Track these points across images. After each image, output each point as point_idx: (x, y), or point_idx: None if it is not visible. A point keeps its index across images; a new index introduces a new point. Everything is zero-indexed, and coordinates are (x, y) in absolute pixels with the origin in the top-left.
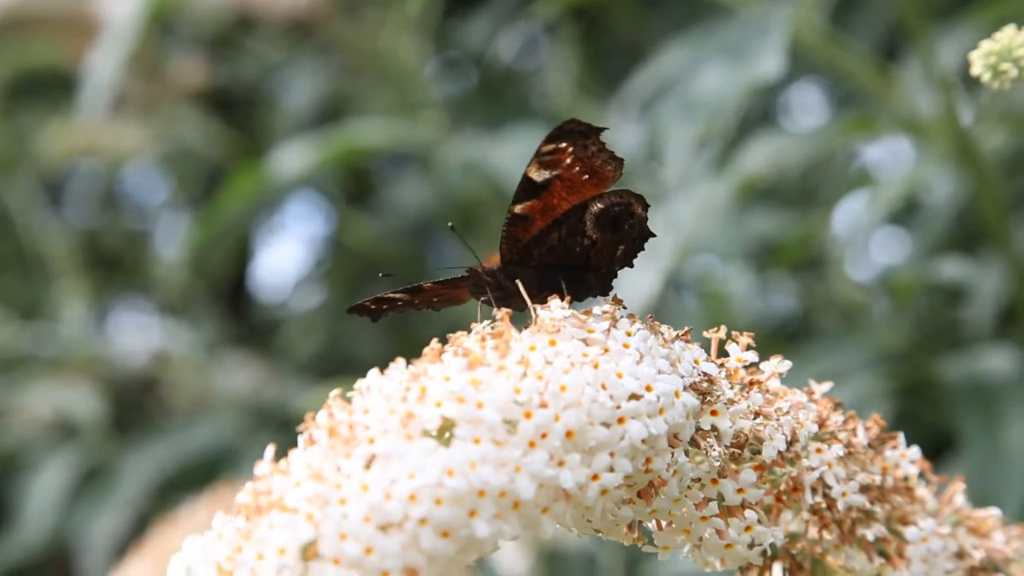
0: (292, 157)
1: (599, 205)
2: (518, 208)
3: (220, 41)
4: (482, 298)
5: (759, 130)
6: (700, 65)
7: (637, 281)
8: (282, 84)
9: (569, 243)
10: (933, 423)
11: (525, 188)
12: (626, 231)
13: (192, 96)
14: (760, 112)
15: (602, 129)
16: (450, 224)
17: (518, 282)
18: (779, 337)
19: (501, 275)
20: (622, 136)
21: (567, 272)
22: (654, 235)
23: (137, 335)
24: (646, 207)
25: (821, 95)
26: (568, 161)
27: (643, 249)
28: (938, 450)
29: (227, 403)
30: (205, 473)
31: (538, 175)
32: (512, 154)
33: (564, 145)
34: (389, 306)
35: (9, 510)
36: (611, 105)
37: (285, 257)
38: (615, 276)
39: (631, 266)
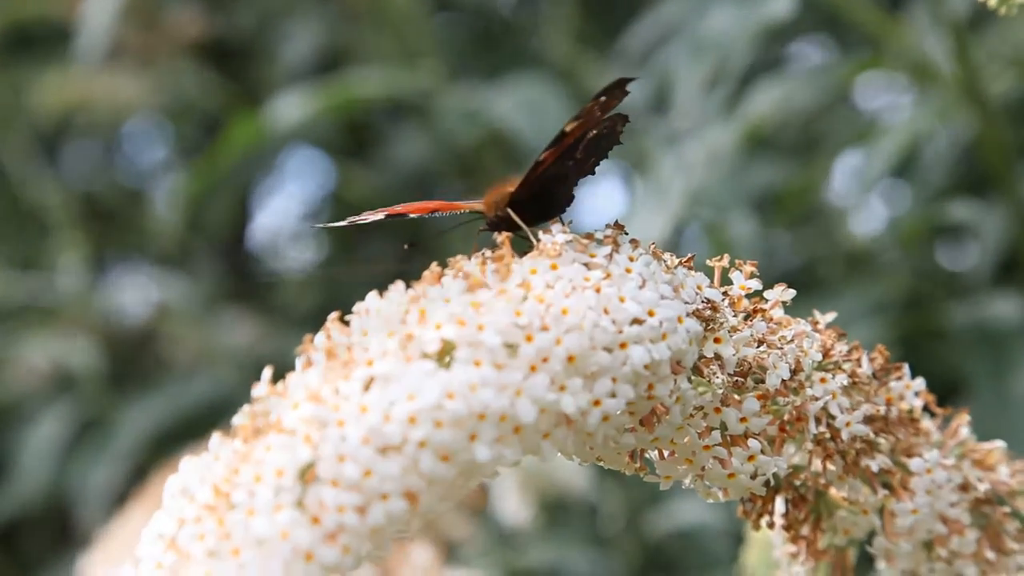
0: (289, 107)
1: (593, 131)
2: (541, 156)
3: None
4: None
5: (766, 76)
6: (707, 8)
7: (647, 224)
8: (280, 34)
9: (559, 167)
10: (939, 371)
11: (556, 139)
12: (603, 147)
13: (189, 47)
14: (769, 64)
15: (634, 79)
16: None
17: (509, 210)
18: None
19: (510, 217)
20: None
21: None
22: (620, 143)
23: (135, 290)
24: (625, 121)
25: (829, 48)
26: (596, 109)
27: (607, 157)
28: (944, 397)
29: (225, 357)
30: (203, 426)
31: (569, 126)
32: (512, 103)
33: (603, 99)
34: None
35: (6, 463)
36: (614, 53)
37: (284, 213)
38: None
39: (593, 174)
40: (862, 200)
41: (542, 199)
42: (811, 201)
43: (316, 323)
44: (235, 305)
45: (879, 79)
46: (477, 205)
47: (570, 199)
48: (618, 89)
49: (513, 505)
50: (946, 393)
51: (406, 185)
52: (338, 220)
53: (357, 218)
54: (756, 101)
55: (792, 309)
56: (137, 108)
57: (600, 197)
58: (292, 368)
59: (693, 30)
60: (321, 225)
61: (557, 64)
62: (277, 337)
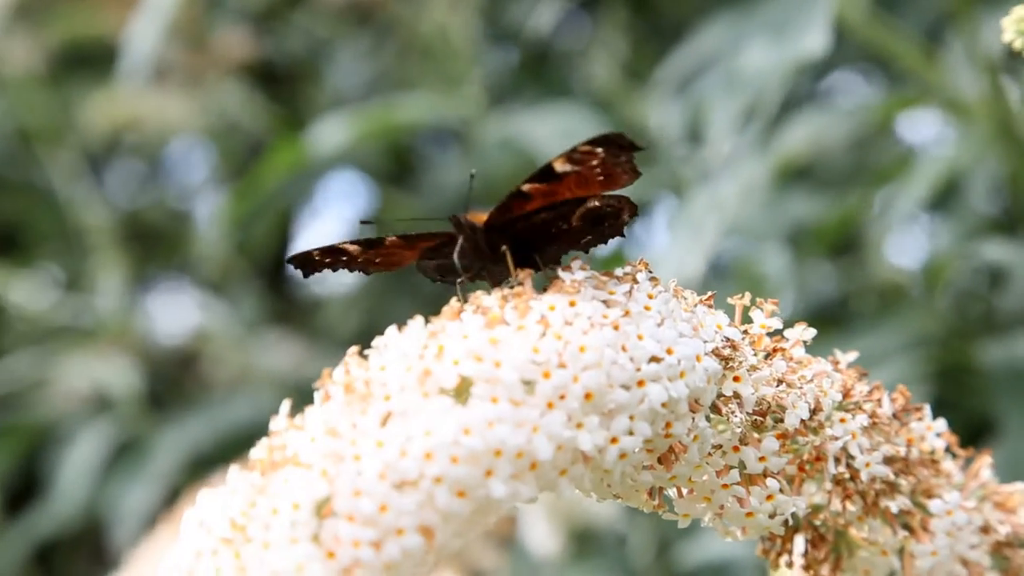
0: (332, 131)
1: (595, 203)
2: (526, 187)
3: (268, 15)
4: (447, 255)
5: (802, 110)
6: (743, 42)
7: (681, 260)
8: (328, 60)
9: (548, 224)
10: (971, 408)
11: (543, 172)
12: (604, 228)
13: (237, 69)
14: (804, 100)
15: (641, 148)
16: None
17: (505, 249)
18: (817, 321)
19: (481, 235)
20: (663, 114)
21: (532, 245)
22: (623, 236)
23: (177, 311)
24: (633, 214)
25: (865, 81)
26: (594, 163)
27: (605, 244)
28: (976, 435)
29: (265, 380)
30: (241, 448)
31: (561, 167)
32: (551, 132)
33: (599, 150)
34: (334, 260)
35: (44, 483)
36: (652, 83)
37: (326, 236)
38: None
39: (586, 252)
40: (897, 234)
41: (528, 246)
42: (849, 233)
43: (360, 345)
44: (276, 327)
45: (921, 112)
46: (448, 226)
47: (556, 260)
48: (616, 145)
49: (542, 535)
50: (980, 431)
51: (447, 210)
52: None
53: (315, 250)
54: (790, 136)
55: (826, 342)
56: (183, 128)
57: (643, 226)
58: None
59: (728, 65)
60: (288, 259)
61: (600, 93)
62: (318, 360)
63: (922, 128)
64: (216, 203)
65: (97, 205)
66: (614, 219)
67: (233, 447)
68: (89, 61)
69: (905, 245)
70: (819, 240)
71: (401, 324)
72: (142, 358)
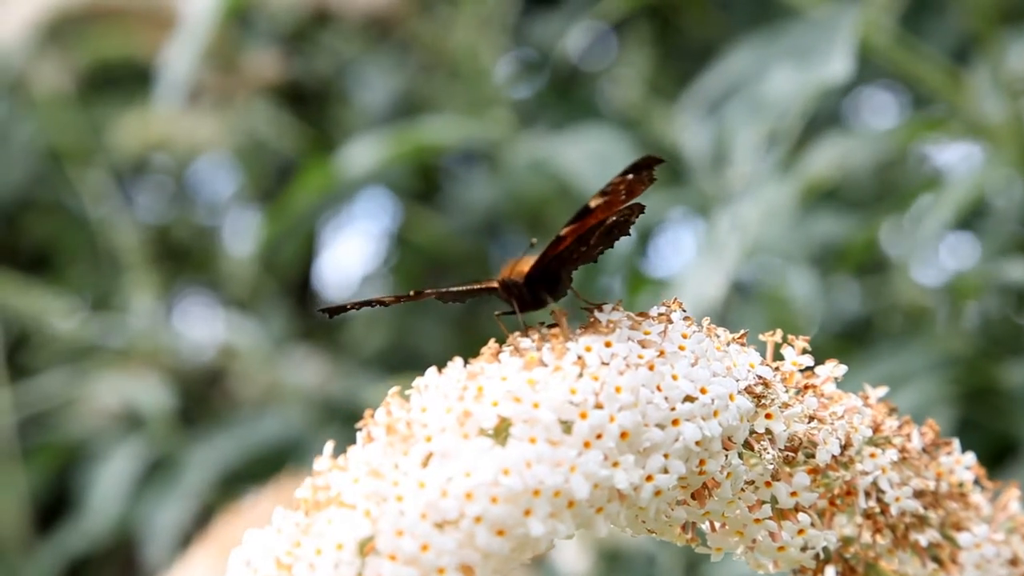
0: (361, 153)
1: (612, 219)
2: (564, 231)
3: (296, 36)
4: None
5: (827, 132)
6: (767, 66)
7: (702, 283)
8: (356, 80)
9: (572, 252)
10: (996, 429)
11: (579, 213)
12: (614, 236)
13: (266, 90)
14: (829, 117)
15: (664, 161)
16: (532, 241)
17: (549, 300)
18: (843, 341)
19: (524, 288)
20: (690, 137)
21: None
22: (629, 234)
23: (205, 328)
24: (640, 213)
25: (890, 101)
26: (621, 188)
27: (612, 248)
28: (1001, 456)
29: (293, 396)
30: (270, 465)
31: (594, 202)
32: (579, 154)
33: (629, 176)
34: (374, 306)
35: (76, 500)
36: (679, 106)
37: (352, 253)
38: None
39: (595, 262)
40: (922, 254)
41: (545, 279)
42: (874, 254)
43: (384, 362)
44: (302, 344)
45: (946, 134)
46: (493, 283)
47: (568, 283)
48: (645, 169)
49: (571, 555)
50: (1005, 452)
51: (475, 230)
52: (406, 264)
53: (359, 302)
54: (815, 159)
55: (852, 362)
56: (212, 148)
57: (667, 245)
58: (360, 408)
59: (752, 89)
60: (321, 309)
61: (627, 114)
62: (345, 376)
63: (948, 150)
64: (244, 222)
65: (126, 224)
66: (624, 224)
67: (262, 464)
68: (119, 81)
69: (931, 266)
70: (845, 261)
71: (427, 341)
72: (172, 376)
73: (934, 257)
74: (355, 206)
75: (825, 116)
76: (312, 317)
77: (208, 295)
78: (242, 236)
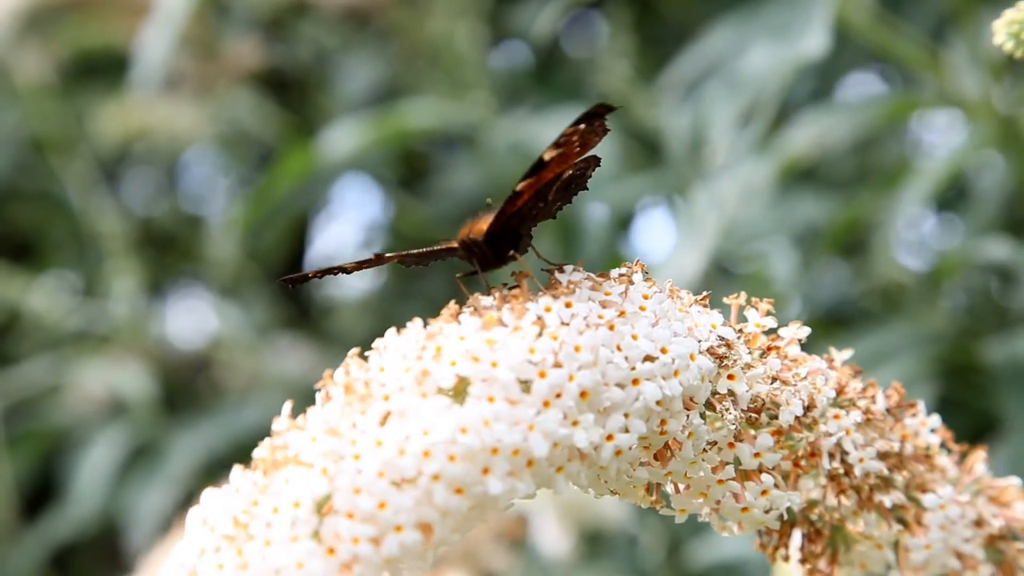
0: (342, 137)
1: (569, 172)
2: (519, 186)
3: (275, 24)
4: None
5: (806, 110)
6: (745, 45)
7: (681, 261)
8: (337, 68)
9: (531, 208)
10: (978, 406)
11: (533, 166)
12: (572, 189)
13: (247, 78)
14: (819, 101)
15: (616, 108)
16: (488, 201)
17: (522, 258)
18: (824, 320)
19: (485, 247)
20: (669, 118)
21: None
22: (587, 189)
23: (190, 317)
24: (596, 166)
25: (883, 85)
26: (575, 139)
27: (571, 203)
28: (982, 433)
29: (278, 384)
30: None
31: (549, 155)
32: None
33: (581, 126)
34: (327, 273)
35: (60, 487)
36: (658, 87)
37: (339, 242)
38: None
39: (554, 218)
40: (904, 234)
41: (506, 237)
42: (856, 234)
43: (371, 350)
44: (288, 332)
45: (927, 112)
46: (452, 243)
47: (529, 240)
48: (597, 118)
49: (553, 536)
50: (986, 429)
51: (458, 214)
52: (392, 251)
53: (320, 270)
54: (794, 136)
55: (834, 341)
56: (195, 137)
57: (649, 228)
58: None
59: (730, 67)
60: (284, 279)
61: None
62: (329, 364)
63: (929, 128)
64: (228, 209)
65: (111, 212)
66: (581, 179)
67: (246, 451)
68: (100, 70)
69: (912, 245)
70: (827, 240)
71: (401, 327)
72: (156, 363)
73: (916, 236)
74: (341, 195)
75: (815, 103)
76: (300, 306)
77: (194, 283)
78: (225, 223)
